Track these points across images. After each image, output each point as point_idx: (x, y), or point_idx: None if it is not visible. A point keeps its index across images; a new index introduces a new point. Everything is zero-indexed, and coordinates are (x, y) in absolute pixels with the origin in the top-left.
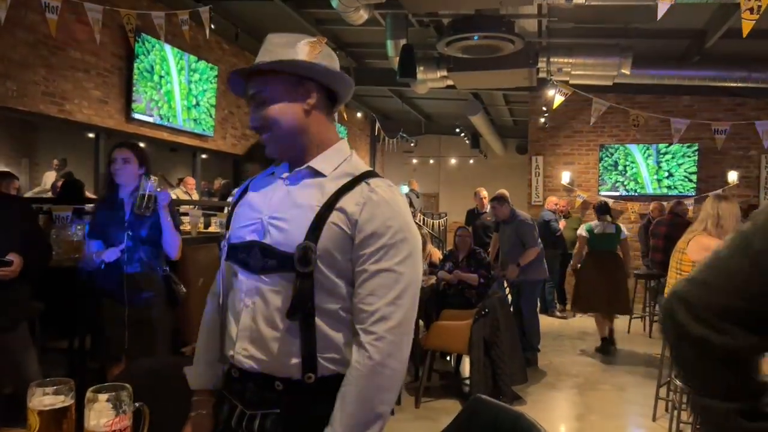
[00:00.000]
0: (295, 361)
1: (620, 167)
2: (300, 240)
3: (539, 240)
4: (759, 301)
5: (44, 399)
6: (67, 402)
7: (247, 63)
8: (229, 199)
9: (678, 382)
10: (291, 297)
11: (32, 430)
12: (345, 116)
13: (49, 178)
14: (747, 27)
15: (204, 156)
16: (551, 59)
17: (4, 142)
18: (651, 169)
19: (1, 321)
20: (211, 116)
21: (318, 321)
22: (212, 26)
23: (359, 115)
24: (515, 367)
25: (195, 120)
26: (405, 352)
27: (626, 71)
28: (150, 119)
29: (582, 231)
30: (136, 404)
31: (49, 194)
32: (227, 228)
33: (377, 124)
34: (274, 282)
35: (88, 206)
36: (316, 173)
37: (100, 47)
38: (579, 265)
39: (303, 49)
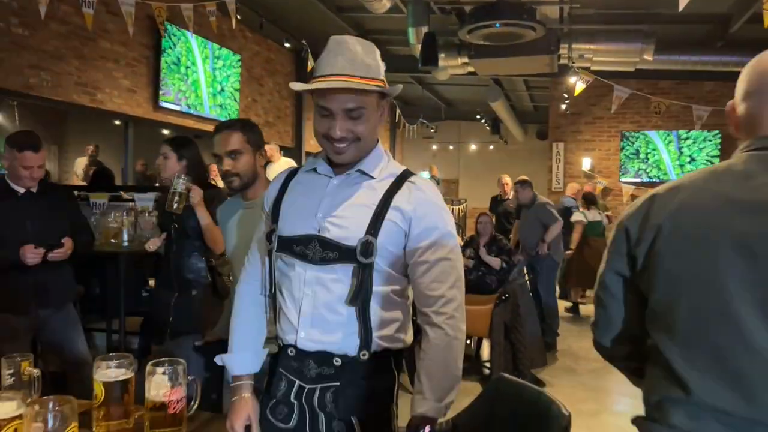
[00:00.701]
0: (355, 341)
1: (642, 155)
2: (361, 235)
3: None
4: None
5: (108, 372)
6: (129, 375)
7: (270, 51)
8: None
9: None
10: (352, 285)
11: (98, 400)
12: None
13: (80, 163)
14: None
15: None
16: (573, 45)
17: (34, 130)
18: (673, 155)
19: (52, 301)
20: (235, 101)
21: (373, 304)
22: (238, 17)
23: None
24: (535, 350)
25: (221, 106)
26: (465, 324)
27: (648, 57)
28: (177, 107)
29: (582, 217)
30: (190, 377)
31: (80, 180)
32: (273, 221)
33: (398, 111)
34: (334, 272)
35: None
36: (366, 175)
37: (128, 37)
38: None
39: (380, 62)
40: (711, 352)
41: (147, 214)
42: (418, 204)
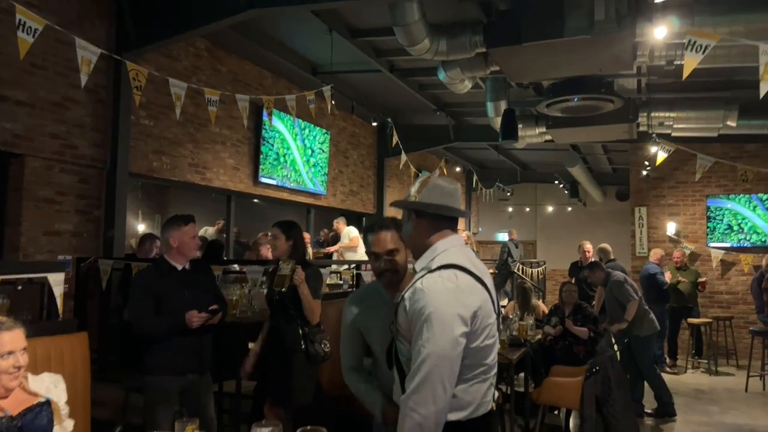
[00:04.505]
0: None
1: (735, 227)
2: None
3: (637, 294)
4: None
5: None
6: None
7: (355, 126)
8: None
9: None
10: None
11: None
12: (445, 171)
13: (207, 231)
14: None
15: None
16: (652, 114)
17: (140, 200)
18: (764, 218)
19: (200, 365)
20: (324, 174)
21: None
22: (333, 102)
23: (458, 169)
24: (628, 425)
25: (314, 165)
26: None
27: (732, 123)
28: (273, 182)
29: None
30: None
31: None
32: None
33: (474, 176)
34: None
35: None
36: None
37: (233, 121)
38: None
39: (414, 186)
40: None
41: (259, 287)
42: None
